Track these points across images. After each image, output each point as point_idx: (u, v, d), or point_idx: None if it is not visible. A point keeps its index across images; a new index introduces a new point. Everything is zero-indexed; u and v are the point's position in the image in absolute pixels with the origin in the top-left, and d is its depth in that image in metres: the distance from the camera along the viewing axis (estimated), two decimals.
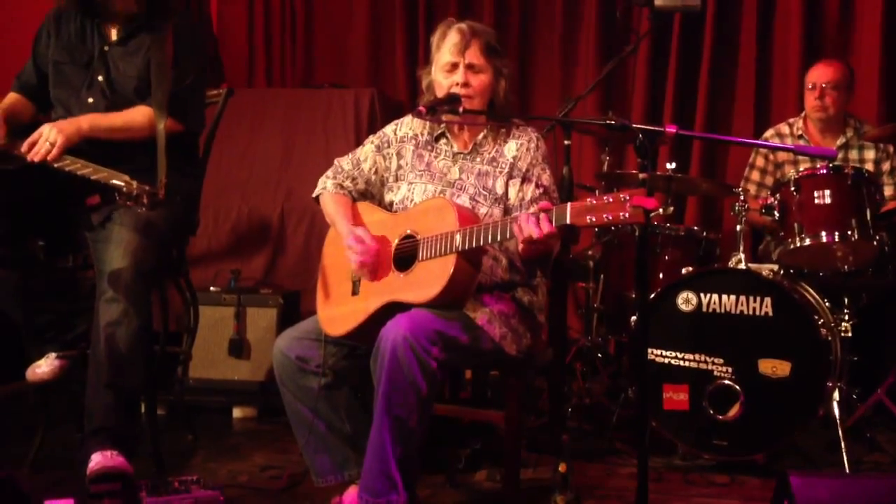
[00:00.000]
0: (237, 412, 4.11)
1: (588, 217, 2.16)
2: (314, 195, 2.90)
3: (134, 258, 2.81)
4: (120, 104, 3.06)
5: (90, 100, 3.09)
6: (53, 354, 3.07)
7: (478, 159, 2.75)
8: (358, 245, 2.60)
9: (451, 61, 2.70)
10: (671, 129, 2.30)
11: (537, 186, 2.70)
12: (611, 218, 2.11)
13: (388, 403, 2.37)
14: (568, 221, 2.21)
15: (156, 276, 3.03)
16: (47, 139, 2.85)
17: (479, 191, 2.70)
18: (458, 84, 2.67)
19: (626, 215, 2.08)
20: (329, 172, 2.89)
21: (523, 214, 2.31)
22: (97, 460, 2.67)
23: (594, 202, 2.15)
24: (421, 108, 2.56)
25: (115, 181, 2.71)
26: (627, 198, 2.08)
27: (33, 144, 2.86)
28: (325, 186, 2.86)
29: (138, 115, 3.01)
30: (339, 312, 2.68)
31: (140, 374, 2.85)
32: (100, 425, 2.76)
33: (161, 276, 3.30)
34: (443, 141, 2.80)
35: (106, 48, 3.11)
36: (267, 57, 6.01)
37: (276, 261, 4.65)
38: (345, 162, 2.88)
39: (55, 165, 2.85)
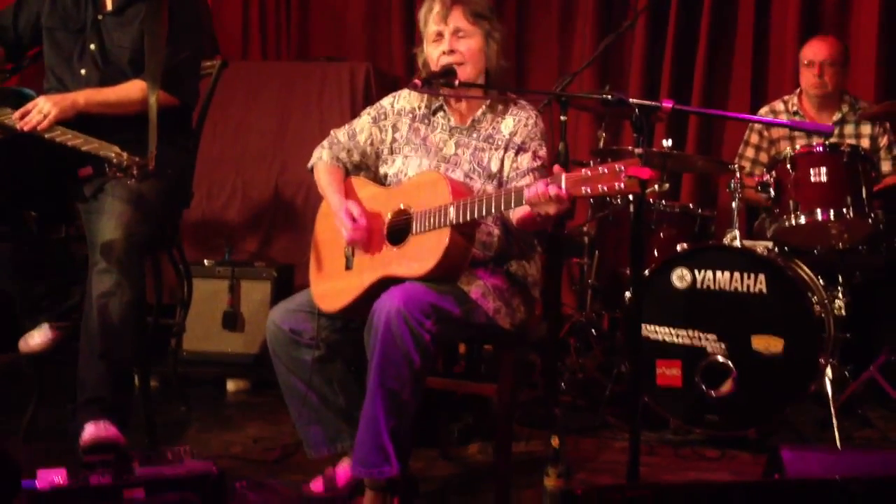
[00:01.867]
0: (231, 384, 4.12)
1: (583, 187, 2.14)
2: (309, 165, 2.88)
3: (126, 230, 2.81)
4: (113, 75, 3.04)
5: (83, 71, 3.07)
6: (46, 325, 3.07)
7: (474, 135, 2.72)
8: (348, 220, 2.59)
9: (436, 30, 2.67)
10: (667, 104, 2.29)
11: (534, 158, 2.68)
12: (606, 188, 2.10)
13: (381, 376, 2.37)
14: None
15: (148, 247, 3.03)
16: (41, 110, 2.84)
17: (473, 167, 2.69)
18: (444, 53, 2.64)
19: (622, 185, 2.07)
20: (325, 143, 2.87)
21: (531, 182, 2.28)
22: (90, 430, 2.68)
23: (589, 173, 2.13)
24: (416, 80, 2.54)
25: (105, 152, 2.70)
26: (623, 168, 2.07)
27: (26, 114, 2.84)
28: (321, 157, 2.84)
29: (133, 90, 3.00)
30: (332, 287, 2.67)
31: (132, 345, 2.86)
32: (92, 396, 2.76)
33: (154, 248, 3.29)
34: (440, 114, 2.78)
35: (100, 17, 3.08)
36: (262, 30, 5.97)
37: (271, 234, 4.65)
38: (341, 133, 2.86)
39: (46, 136, 2.83)
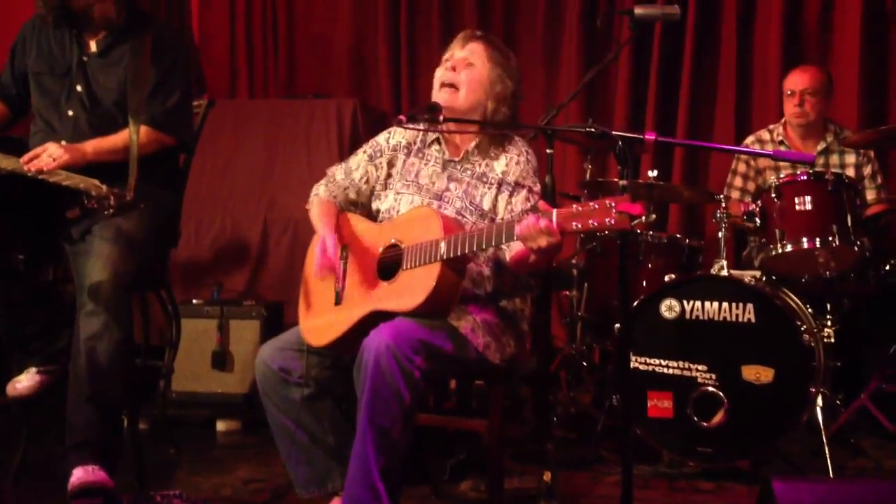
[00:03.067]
0: (221, 425, 4.09)
1: (574, 223, 2.15)
2: (307, 206, 2.88)
3: (114, 270, 2.80)
4: (100, 116, 3.06)
5: (70, 112, 3.09)
6: (34, 369, 3.05)
7: (468, 170, 2.73)
8: (320, 254, 2.60)
9: (451, 54, 2.72)
10: (650, 136, 2.30)
11: (528, 199, 2.68)
12: (596, 224, 2.11)
13: (371, 413, 2.35)
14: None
15: (136, 288, 3.02)
16: (51, 155, 2.86)
17: (465, 204, 2.69)
18: (446, 70, 2.68)
19: (612, 221, 2.08)
20: (322, 182, 2.90)
21: (529, 217, 2.28)
22: (78, 475, 2.66)
23: (580, 208, 2.14)
24: (401, 117, 2.54)
25: (85, 185, 2.72)
26: (613, 204, 2.07)
27: (35, 157, 2.86)
28: (317, 193, 2.86)
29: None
30: (321, 322, 2.67)
31: (121, 387, 2.84)
32: (81, 439, 2.74)
33: (142, 289, 3.28)
34: (435, 147, 2.79)
35: (85, 59, 3.10)
36: (249, 67, 6.00)
37: (260, 272, 4.64)
38: (338, 172, 2.87)
39: (29, 175, 2.85)
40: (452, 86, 2.69)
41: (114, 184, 2.74)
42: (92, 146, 2.99)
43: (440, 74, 2.72)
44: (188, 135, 3.26)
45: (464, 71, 2.69)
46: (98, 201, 2.66)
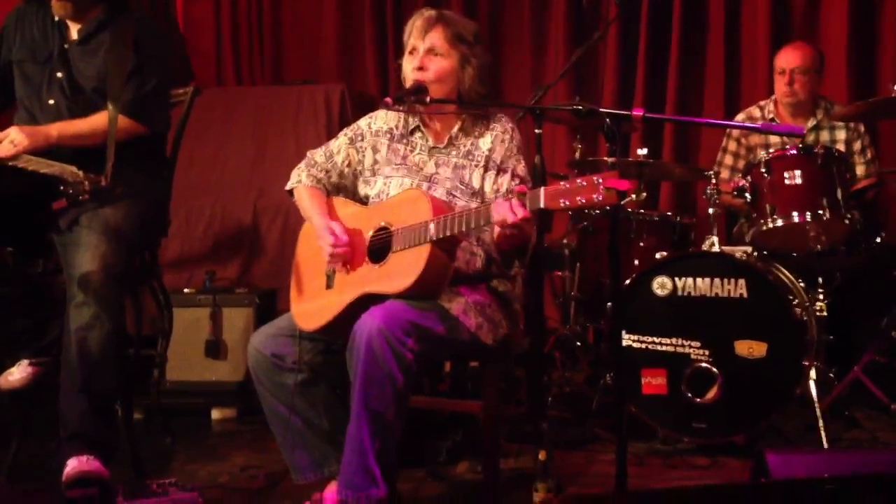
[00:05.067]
0: (216, 413, 4.08)
1: (562, 200, 2.14)
2: (288, 188, 2.87)
3: (103, 261, 2.79)
4: (80, 104, 3.04)
5: (51, 101, 3.07)
6: (26, 361, 3.05)
7: (453, 153, 2.73)
8: (330, 237, 2.59)
9: (412, 45, 2.69)
10: (638, 113, 2.29)
11: (513, 177, 2.68)
12: (584, 200, 2.10)
13: (364, 397, 2.35)
14: (542, 205, 2.19)
15: (126, 278, 3.01)
16: (12, 140, 2.85)
17: (455, 184, 2.69)
18: (414, 69, 2.65)
19: (600, 197, 2.07)
20: (302, 165, 2.86)
21: (498, 200, 2.30)
22: (73, 465, 2.65)
23: (568, 185, 2.14)
24: (387, 99, 2.53)
25: (62, 172, 2.71)
26: (601, 180, 2.07)
27: None
28: (300, 179, 2.83)
29: (105, 121, 2.99)
30: (313, 307, 2.66)
31: (114, 377, 2.83)
32: (75, 431, 2.74)
33: (132, 279, 3.27)
34: (417, 134, 2.78)
35: (66, 46, 3.08)
36: (235, 55, 5.97)
37: (251, 260, 4.62)
38: (318, 154, 2.86)
39: (9, 164, 2.85)
40: (422, 81, 2.66)
41: (96, 171, 2.74)
42: (57, 129, 2.97)
43: (408, 68, 2.69)
44: (162, 124, 3.21)
45: (430, 64, 2.66)
46: (73, 187, 2.66)
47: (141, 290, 3.45)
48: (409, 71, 2.68)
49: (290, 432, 2.66)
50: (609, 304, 3.67)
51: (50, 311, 3.15)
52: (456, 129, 2.74)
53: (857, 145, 4.22)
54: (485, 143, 2.72)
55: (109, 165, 2.78)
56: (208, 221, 4.65)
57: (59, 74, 3.07)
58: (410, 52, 2.70)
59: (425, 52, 2.66)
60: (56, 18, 3.09)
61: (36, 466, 3.17)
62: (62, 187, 2.70)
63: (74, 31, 3.10)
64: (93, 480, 2.60)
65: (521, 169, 2.72)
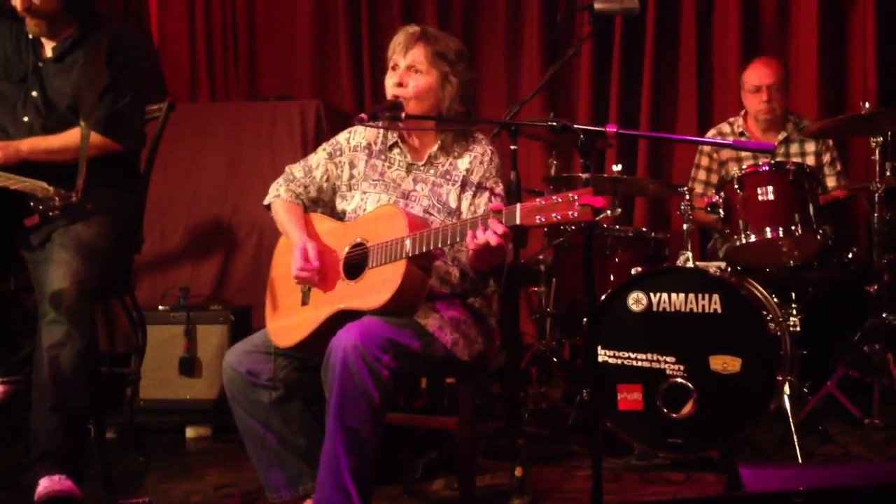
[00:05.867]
0: (190, 431, 4.05)
1: (537, 217, 2.16)
2: (266, 202, 2.85)
3: (75, 278, 2.77)
4: (55, 121, 3.02)
5: (25, 118, 3.05)
6: None
7: (431, 171, 2.73)
8: (300, 260, 2.57)
9: (394, 61, 2.69)
10: (611, 129, 2.31)
11: (491, 199, 2.68)
12: (559, 217, 2.12)
13: (340, 414, 2.34)
14: (518, 222, 2.20)
15: (99, 295, 2.98)
16: None
17: (432, 203, 2.69)
18: (394, 85, 2.65)
19: (575, 214, 2.09)
20: (280, 179, 2.85)
21: (473, 222, 2.30)
22: (45, 485, 2.63)
23: (543, 202, 2.15)
24: (362, 115, 2.53)
25: (31, 188, 2.70)
26: (576, 197, 2.09)
27: None
28: (279, 194, 2.82)
29: (76, 137, 2.97)
30: (288, 323, 2.65)
31: (86, 395, 2.81)
32: (46, 449, 2.71)
33: (105, 296, 3.24)
34: (396, 150, 2.77)
35: (40, 64, 3.07)
36: (209, 70, 5.93)
37: (226, 276, 4.60)
38: (296, 169, 2.85)
39: None
40: (401, 98, 2.66)
41: (67, 187, 2.72)
42: (28, 144, 2.97)
43: (388, 84, 2.69)
44: (136, 141, 3.20)
45: (410, 80, 2.66)
46: (43, 203, 2.65)
47: (114, 307, 3.43)
48: (389, 87, 2.68)
49: (264, 450, 2.64)
50: (585, 319, 3.68)
51: (21, 329, 3.12)
52: (436, 147, 2.74)
53: (827, 157, 4.28)
54: (463, 163, 2.72)
55: (81, 181, 2.77)
56: (182, 237, 4.63)
57: (34, 93, 3.06)
58: (392, 68, 2.70)
59: (406, 69, 2.67)
60: (30, 36, 3.07)
61: (6, 482, 3.13)
62: (32, 203, 2.68)
63: (49, 48, 3.09)
64: (65, 500, 2.58)
65: (499, 190, 2.72)
